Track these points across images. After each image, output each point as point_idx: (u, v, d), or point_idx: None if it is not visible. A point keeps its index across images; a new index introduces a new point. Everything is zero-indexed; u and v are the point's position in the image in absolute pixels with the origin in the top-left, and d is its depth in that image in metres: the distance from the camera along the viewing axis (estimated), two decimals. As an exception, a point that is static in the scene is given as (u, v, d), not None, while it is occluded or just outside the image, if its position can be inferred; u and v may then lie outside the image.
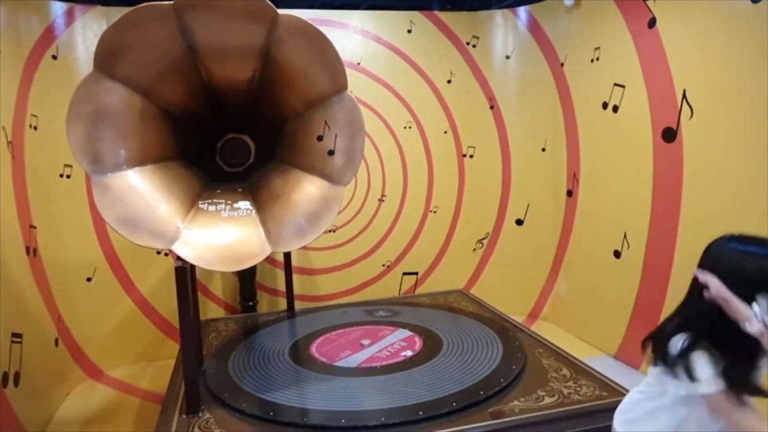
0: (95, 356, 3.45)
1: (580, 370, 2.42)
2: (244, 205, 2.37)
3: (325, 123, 2.33)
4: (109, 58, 2.07)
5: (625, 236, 3.23)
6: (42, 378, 2.82)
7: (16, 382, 2.49)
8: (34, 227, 2.95)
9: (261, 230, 2.26)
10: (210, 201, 2.36)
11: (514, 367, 2.41)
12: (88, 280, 3.42)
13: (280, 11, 2.16)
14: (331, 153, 2.33)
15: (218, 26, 2.16)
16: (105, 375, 3.44)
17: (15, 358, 2.50)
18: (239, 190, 2.52)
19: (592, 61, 3.45)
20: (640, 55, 3.04)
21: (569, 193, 3.82)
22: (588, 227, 3.65)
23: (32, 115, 2.98)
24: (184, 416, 2.15)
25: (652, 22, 2.93)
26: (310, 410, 2.13)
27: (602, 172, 3.45)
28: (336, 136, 2.32)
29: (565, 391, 2.22)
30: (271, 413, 2.10)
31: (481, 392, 2.19)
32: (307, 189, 2.36)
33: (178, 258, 2.09)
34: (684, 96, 2.75)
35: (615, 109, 3.26)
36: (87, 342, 3.41)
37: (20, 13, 2.92)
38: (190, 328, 2.14)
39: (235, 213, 2.32)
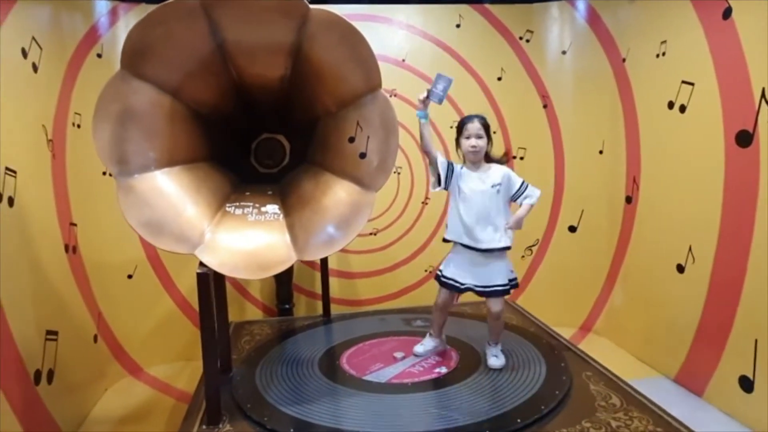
0: (135, 353, 3.48)
1: (632, 399, 2.18)
2: (272, 209, 2.27)
3: (357, 124, 2.19)
4: (135, 56, 2.01)
5: (690, 249, 2.93)
6: (79, 375, 2.84)
7: (50, 380, 2.50)
8: (75, 225, 2.98)
9: (287, 236, 2.16)
10: (238, 204, 2.27)
11: (557, 392, 2.21)
12: (129, 277, 3.45)
13: (318, 6, 2.04)
14: (362, 156, 2.19)
15: (248, 22, 2.07)
16: (144, 372, 3.46)
17: (49, 355, 2.52)
18: (269, 192, 2.42)
19: (658, 56, 3.15)
20: (712, 49, 2.73)
21: (628, 200, 3.53)
22: (648, 237, 3.36)
23: (75, 113, 3.01)
24: (204, 427, 2.08)
25: (727, 13, 2.62)
26: (332, 429, 2.01)
27: (666, 178, 3.15)
28: (368, 137, 2.18)
29: (614, 424, 1.99)
30: (292, 430, 2.00)
31: (519, 420, 2.01)
32: (338, 193, 2.24)
33: (201, 263, 2.02)
34: (763, 95, 2.43)
35: (682, 108, 2.97)
36: (127, 339, 3.44)
37: (64, 12, 2.94)
38: (211, 337, 2.06)
39: (261, 217, 2.22)
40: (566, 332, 3.46)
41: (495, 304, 2.43)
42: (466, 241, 2.43)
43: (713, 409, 2.74)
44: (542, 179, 3.92)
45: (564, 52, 3.81)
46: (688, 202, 2.94)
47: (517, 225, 2.39)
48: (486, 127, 2.43)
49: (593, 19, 3.68)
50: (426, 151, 2.48)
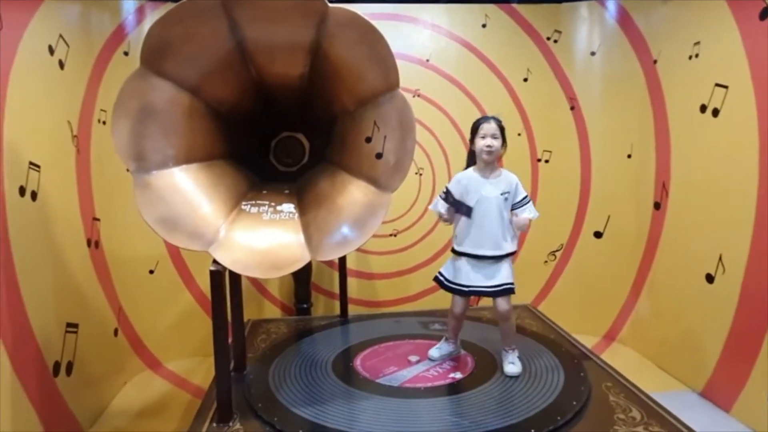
0: (155, 348, 3.51)
1: (653, 412, 2.10)
2: (288, 207, 2.26)
3: (375, 123, 2.16)
4: (155, 54, 2.02)
5: (720, 259, 2.81)
6: (99, 367, 2.88)
7: (69, 372, 2.54)
8: (98, 219, 3.02)
9: (301, 235, 2.14)
10: (253, 202, 2.27)
11: (574, 402, 2.14)
12: (151, 272, 3.49)
13: (337, 4, 2.02)
14: (379, 156, 2.16)
15: (267, 20, 2.06)
16: (163, 367, 3.50)
17: (69, 347, 2.56)
18: (286, 191, 2.41)
19: (691, 57, 3.04)
20: (748, 51, 2.62)
21: (657, 206, 3.42)
22: (677, 245, 3.24)
23: (101, 110, 3.05)
24: (214, 425, 2.08)
25: (764, 13, 2.51)
26: (341, 432, 1.99)
27: (697, 184, 3.04)
28: (385, 137, 2.15)
29: (632, 438, 1.93)
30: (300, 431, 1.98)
31: (533, 430, 1.95)
32: (353, 193, 2.21)
33: (215, 261, 2.02)
34: (801, 99, 2.33)
35: (715, 112, 2.86)
36: (147, 333, 3.48)
37: (93, 11, 2.99)
38: (224, 335, 2.06)
39: (277, 216, 2.21)
40: (589, 341, 3.37)
41: (501, 304, 2.40)
42: (471, 249, 2.41)
43: (741, 425, 2.63)
44: (568, 183, 3.83)
45: (593, 53, 3.72)
46: (720, 210, 2.83)
47: (525, 227, 2.45)
48: (501, 128, 2.41)
49: (624, 19, 3.58)
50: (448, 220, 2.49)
